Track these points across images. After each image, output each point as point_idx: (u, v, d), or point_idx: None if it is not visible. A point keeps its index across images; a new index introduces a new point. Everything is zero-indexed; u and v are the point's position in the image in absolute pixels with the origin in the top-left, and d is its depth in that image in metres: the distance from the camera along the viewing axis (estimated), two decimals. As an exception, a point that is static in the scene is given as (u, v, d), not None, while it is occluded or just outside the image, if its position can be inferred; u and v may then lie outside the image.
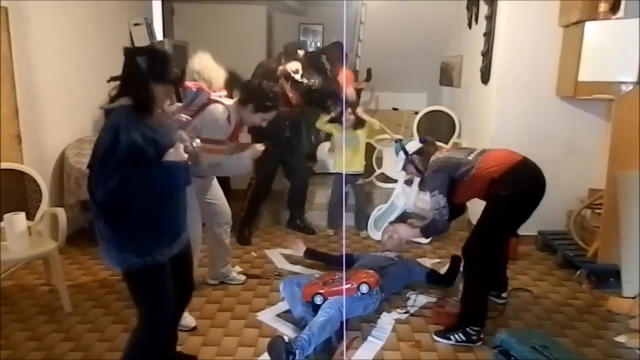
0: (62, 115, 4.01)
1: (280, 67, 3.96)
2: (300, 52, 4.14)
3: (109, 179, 1.70)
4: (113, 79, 1.88)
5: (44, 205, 3.13)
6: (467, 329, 2.59)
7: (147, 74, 1.82)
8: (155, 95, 1.86)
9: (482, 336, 2.60)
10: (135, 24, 5.15)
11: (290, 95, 3.90)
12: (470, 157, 2.68)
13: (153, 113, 1.87)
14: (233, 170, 2.90)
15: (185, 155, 1.87)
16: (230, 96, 3.01)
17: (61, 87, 3.99)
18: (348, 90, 4.23)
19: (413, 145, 2.89)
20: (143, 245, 1.85)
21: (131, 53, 1.87)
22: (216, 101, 2.77)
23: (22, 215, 2.87)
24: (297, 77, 3.96)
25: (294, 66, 3.95)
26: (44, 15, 3.72)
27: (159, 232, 1.89)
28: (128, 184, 1.72)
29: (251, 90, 2.86)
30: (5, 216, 2.82)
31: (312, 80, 4.08)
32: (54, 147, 3.90)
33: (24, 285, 3.26)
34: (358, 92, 5.55)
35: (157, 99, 1.87)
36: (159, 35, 5.64)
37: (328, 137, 4.96)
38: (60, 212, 3.05)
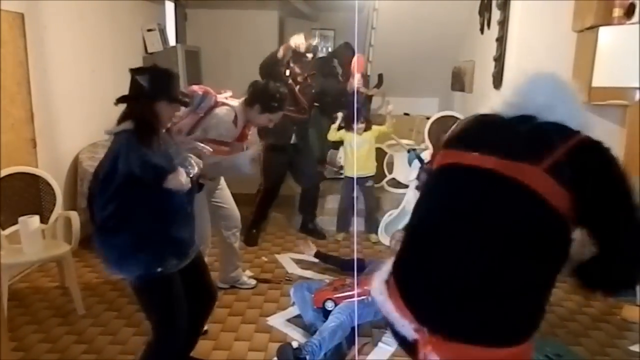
0: (77, 119, 4.06)
1: (282, 47, 3.75)
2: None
3: (107, 204, 1.74)
4: (120, 100, 1.86)
5: (58, 209, 3.17)
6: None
7: (150, 93, 1.82)
8: (159, 114, 1.85)
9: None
10: (149, 30, 5.21)
11: (299, 99, 3.88)
12: None
13: (156, 135, 1.85)
14: (231, 170, 2.74)
15: (187, 181, 1.84)
16: None
17: (76, 92, 4.04)
18: (357, 79, 4.09)
19: (428, 154, 2.90)
20: (146, 260, 1.84)
21: (134, 73, 1.85)
22: (223, 104, 2.75)
23: (36, 218, 2.91)
24: (302, 49, 3.76)
25: (298, 40, 3.75)
26: (60, 21, 3.78)
27: (162, 246, 1.87)
28: (125, 208, 1.75)
29: (257, 91, 2.83)
30: (20, 219, 2.86)
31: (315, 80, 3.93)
32: (68, 151, 3.95)
33: (37, 287, 3.30)
34: (369, 98, 5.54)
35: (161, 118, 1.87)
36: (171, 41, 5.69)
37: (336, 144, 4.92)
38: (74, 216, 3.08)
